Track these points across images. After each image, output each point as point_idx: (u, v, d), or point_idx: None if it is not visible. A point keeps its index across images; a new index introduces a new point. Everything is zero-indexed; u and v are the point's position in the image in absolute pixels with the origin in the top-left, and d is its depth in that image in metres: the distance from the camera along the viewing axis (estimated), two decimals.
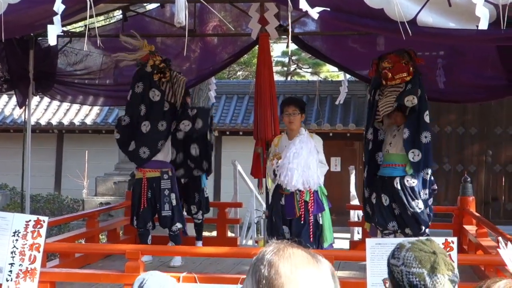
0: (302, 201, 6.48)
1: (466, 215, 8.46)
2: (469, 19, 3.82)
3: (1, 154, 15.88)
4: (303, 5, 3.80)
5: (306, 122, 14.41)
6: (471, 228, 8.01)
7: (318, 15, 3.92)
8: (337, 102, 8.13)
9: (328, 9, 4.03)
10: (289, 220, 6.58)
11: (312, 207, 6.49)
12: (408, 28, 3.88)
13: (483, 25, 3.78)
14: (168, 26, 8.16)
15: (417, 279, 2.39)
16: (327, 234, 6.56)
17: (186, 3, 4.39)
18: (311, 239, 6.45)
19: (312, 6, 3.94)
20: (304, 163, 6.35)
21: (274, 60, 20.27)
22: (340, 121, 14.52)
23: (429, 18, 3.98)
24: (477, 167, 13.76)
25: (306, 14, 4.03)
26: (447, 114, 13.60)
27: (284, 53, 23.10)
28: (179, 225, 7.57)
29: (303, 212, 6.47)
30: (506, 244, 2.92)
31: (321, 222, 6.55)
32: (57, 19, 4.13)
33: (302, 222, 6.48)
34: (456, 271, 2.44)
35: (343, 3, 4.12)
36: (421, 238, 2.74)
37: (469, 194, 8.73)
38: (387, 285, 2.83)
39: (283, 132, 6.90)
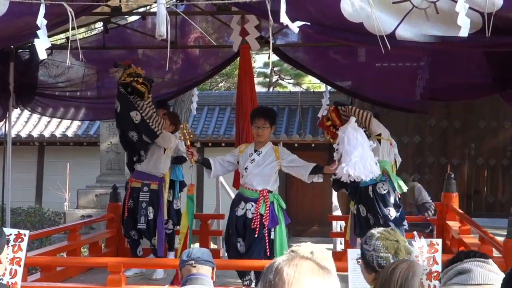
0: (258, 214, 6.50)
1: (450, 211, 8.54)
2: (454, 28, 3.85)
3: None
4: (284, 19, 3.83)
5: (288, 133, 14.47)
6: (454, 224, 8.09)
7: (298, 29, 3.95)
8: (319, 115, 8.14)
9: (309, 23, 4.06)
10: (244, 231, 6.59)
11: (267, 220, 6.49)
12: (387, 42, 3.93)
13: (463, 33, 3.83)
14: (150, 38, 8.16)
15: (384, 261, 3.14)
16: (278, 250, 6.53)
17: (168, 16, 4.41)
18: (263, 253, 6.46)
19: (293, 20, 3.97)
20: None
21: (256, 71, 20.33)
22: (322, 132, 14.54)
23: (407, 31, 4.02)
24: (460, 160, 13.89)
25: (287, 26, 4.06)
26: (431, 107, 13.64)
27: (266, 64, 23.17)
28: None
29: (258, 226, 6.47)
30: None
31: (272, 237, 6.55)
32: (42, 33, 4.12)
33: (256, 235, 6.48)
34: (414, 254, 3.41)
35: (323, 17, 4.16)
36: (386, 229, 3.37)
37: (452, 190, 8.81)
38: (360, 263, 3.35)
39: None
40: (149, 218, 7.50)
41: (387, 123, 7.49)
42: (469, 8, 3.84)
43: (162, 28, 4.41)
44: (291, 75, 22.42)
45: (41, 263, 6.49)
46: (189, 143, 6.67)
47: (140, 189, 7.49)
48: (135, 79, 7.28)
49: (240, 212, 6.63)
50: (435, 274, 4.31)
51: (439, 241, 4.58)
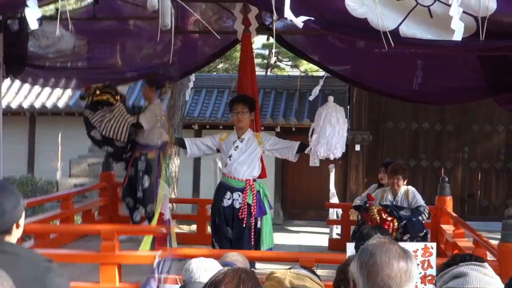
0: (245, 203, 6.54)
1: (444, 214, 8.59)
2: (448, 31, 3.88)
3: None
4: (288, 14, 3.83)
5: (286, 117, 14.48)
6: (448, 228, 8.13)
7: (302, 24, 3.96)
8: (310, 98, 8.18)
9: (313, 18, 4.06)
10: (232, 221, 6.63)
11: (255, 210, 6.54)
12: (390, 38, 3.94)
13: (457, 37, 3.86)
14: (141, 9, 8.05)
15: None
16: (264, 239, 6.60)
17: (172, 8, 4.40)
18: (252, 242, 6.52)
19: (297, 15, 3.97)
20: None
21: (254, 52, 20.25)
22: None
23: (410, 28, 4.04)
24: (453, 163, 13.91)
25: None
26: (425, 110, 13.73)
27: (264, 46, 23.11)
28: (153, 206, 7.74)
29: (245, 216, 6.52)
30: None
31: (259, 226, 6.59)
32: (32, 1, 4.07)
33: (244, 225, 6.53)
34: None
35: (328, 12, 4.16)
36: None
37: (446, 193, 8.88)
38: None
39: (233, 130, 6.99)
40: (144, 187, 7.65)
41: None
42: (463, 12, 3.88)
43: (167, 19, 4.41)
44: (289, 57, 22.38)
45: (36, 230, 6.51)
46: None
47: (138, 159, 7.65)
48: (95, 93, 7.51)
49: (226, 202, 6.67)
50: (430, 278, 4.36)
51: (434, 244, 4.64)
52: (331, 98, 6.63)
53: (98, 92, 7.71)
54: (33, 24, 4.20)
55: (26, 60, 8.21)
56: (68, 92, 15.45)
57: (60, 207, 8.23)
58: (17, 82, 15.07)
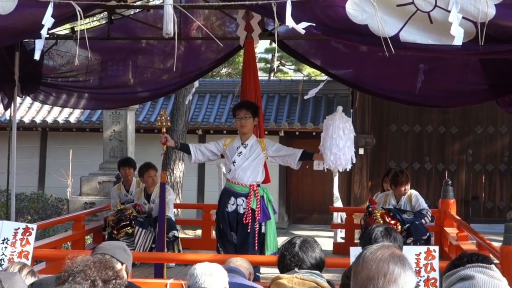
0: (249, 209, 6.58)
1: (447, 217, 8.61)
2: (448, 36, 3.94)
3: None
4: (289, 21, 3.89)
5: (290, 121, 14.53)
6: (451, 231, 8.16)
7: (304, 31, 4.01)
8: (306, 97, 8.22)
9: (314, 24, 4.12)
10: (236, 226, 6.67)
11: (259, 215, 6.58)
12: (390, 44, 4.00)
13: (457, 42, 3.93)
14: (154, 28, 8.20)
15: None
16: (269, 243, 6.64)
17: (174, 16, 4.48)
18: (256, 247, 6.56)
19: (298, 21, 4.03)
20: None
21: (257, 56, 20.31)
22: (323, 120, 14.51)
23: (411, 34, 4.09)
24: (457, 166, 13.93)
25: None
26: (429, 113, 13.76)
27: (267, 50, 23.20)
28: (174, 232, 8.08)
29: (250, 221, 6.56)
30: None
31: (263, 231, 6.64)
32: (43, 34, 4.18)
33: (248, 230, 6.57)
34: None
35: (328, 19, 4.21)
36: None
37: (450, 196, 8.90)
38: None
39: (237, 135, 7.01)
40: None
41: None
42: (463, 18, 3.94)
43: (169, 27, 4.49)
44: (292, 61, 22.45)
45: (48, 256, 6.53)
46: (164, 129, 6.77)
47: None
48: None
49: (230, 208, 6.71)
50: (433, 281, 4.38)
51: (436, 248, 4.66)
52: (339, 108, 6.64)
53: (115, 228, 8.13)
54: (37, 55, 4.32)
55: (41, 78, 8.32)
56: None
57: (72, 228, 8.33)
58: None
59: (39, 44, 4.30)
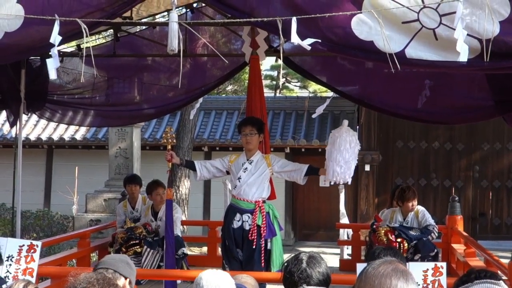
0: (255, 225, 6.55)
1: (454, 234, 8.56)
2: (454, 53, 3.95)
3: None
4: (295, 38, 3.90)
5: (295, 137, 14.52)
6: (459, 247, 8.11)
7: (309, 47, 4.02)
8: (314, 116, 8.22)
9: (319, 40, 4.13)
10: (241, 243, 6.64)
11: (265, 231, 6.55)
12: (396, 60, 4.00)
13: (463, 59, 3.93)
14: (159, 45, 8.23)
15: None
16: (275, 260, 6.60)
17: (180, 32, 4.49)
18: (262, 264, 6.52)
19: (303, 38, 4.04)
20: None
21: (263, 73, 20.37)
22: (329, 137, 14.60)
23: (416, 51, 4.10)
24: (464, 182, 13.88)
25: None
26: (435, 129, 13.74)
27: (273, 67, 23.25)
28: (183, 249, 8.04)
29: (255, 237, 6.53)
30: None
31: (269, 247, 6.60)
32: (54, 52, 4.20)
33: (254, 247, 6.54)
34: None
35: (334, 35, 4.21)
36: None
37: (457, 213, 8.86)
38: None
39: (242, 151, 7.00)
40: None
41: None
42: (468, 35, 3.95)
43: (174, 43, 4.50)
44: (297, 78, 22.50)
45: (53, 273, 6.49)
46: (170, 146, 6.76)
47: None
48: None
49: (236, 224, 6.68)
50: None
51: (444, 264, 4.63)
52: (345, 122, 6.63)
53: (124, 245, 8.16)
54: (52, 74, 4.33)
55: (46, 96, 8.34)
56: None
57: (77, 245, 8.31)
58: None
59: (53, 63, 4.31)
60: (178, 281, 7.58)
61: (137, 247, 8.16)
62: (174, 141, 7.02)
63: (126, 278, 3.65)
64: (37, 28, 4.75)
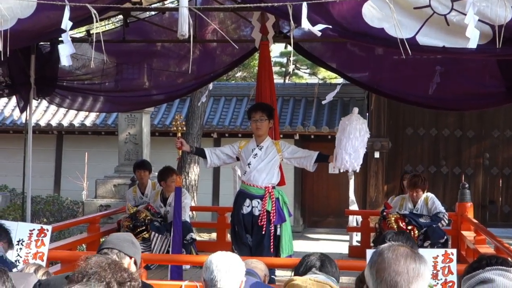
0: (264, 211, 6.55)
1: (464, 221, 8.54)
2: (465, 39, 3.91)
3: (0, 155, 15.92)
4: (305, 24, 3.88)
5: (305, 124, 14.49)
6: (469, 235, 8.09)
7: (320, 33, 3.99)
8: (323, 102, 8.19)
9: (330, 26, 4.10)
10: (251, 228, 6.65)
11: (274, 217, 6.55)
12: (407, 47, 3.97)
13: (472, 45, 3.89)
14: (169, 31, 8.22)
15: None
16: (284, 246, 6.61)
17: (189, 17, 4.47)
18: (272, 249, 6.53)
19: (314, 23, 4.01)
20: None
21: (272, 60, 20.30)
22: (338, 124, 14.48)
23: (427, 37, 4.06)
24: (474, 170, 13.82)
25: None
26: (445, 116, 13.67)
27: (282, 54, 23.18)
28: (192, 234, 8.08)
29: (265, 223, 6.53)
30: None
31: (278, 233, 6.60)
32: (66, 38, 4.20)
33: (263, 232, 6.54)
34: None
35: (344, 21, 4.19)
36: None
37: (467, 200, 8.84)
38: None
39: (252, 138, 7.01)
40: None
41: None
42: (479, 20, 3.92)
43: (185, 28, 4.49)
44: (307, 65, 22.41)
45: (63, 257, 6.53)
46: (180, 134, 6.75)
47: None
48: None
49: (246, 209, 6.70)
50: (450, 284, 4.35)
51: (454, 251, 4.62)
52: (355, 110, 6.61)
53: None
54: (64, 60, 4.32)
55: (56, 81, 8.35)
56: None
57: (87, 230, 8.34)
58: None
59: (66, 50, 4.30)
60: (187, 266, 7.62)
61: (144, 233, 8.18)
62: (184, 128, 7.02)
63: (131, 257, 3.64)
64: (48, 13, 4.75)
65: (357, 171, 6.69)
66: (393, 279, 2.16)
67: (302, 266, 3.86)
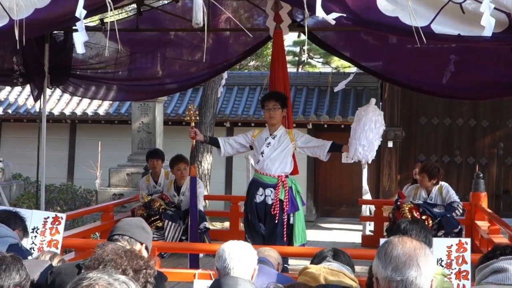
0: (277, 199, 6.55)
1: (478, 211, 8.51)
2: (480, 27, 3.88)
3: (14, 143, 16.01)
4: (320, 12, 3.85)
5: (318, 114, 14.46)
6: (483, 224, 8.06)
7: (334, 21, 3.97)
8: (336, 89, 8.17)
9: (344, 15, 4.08)
10: (264, 217, 6.65)
11: (287, 206, 6.55)
12: (422, 35, 3.94)
13: (487, 33, 3.86)
14: (182, 20, 8.21)
15: None
16: (297, 235, 6.61)
17: (204, 6, 4.46)
18: (285, 238, 6.53)
19: (328, 12, 3.99)
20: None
21: (285, 49, 20.26)
22: (351, 113, 14.48)
23: (442, 25, 4.03)
24: (488, 159, 13.75)
25: None
26: (459, 106, 13.61)
27: (295, 43, 23.09)
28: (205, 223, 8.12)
29: (278, 212, 6.53)
30: None
31: (291, 222, 6.60)
32: (81, 26, 4.20)
33: (276, 221, 6.54)
34: None
35: (359, 10, 4.16)
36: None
37: (481, 190, 8.81)
38: None
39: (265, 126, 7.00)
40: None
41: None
42: (495, 8, 3.88)
43: (199, 17, 4.47)
44: (320, 54, 22.31)
45: (78, 245, 6.58)
46: (193, 123, 6.77)
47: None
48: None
49: (259, 198, 6.70)
50: (464, 273, 4.34)
51: (468, 240, 4.61)
52: (373, 100, 6.58)
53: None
54: (79, 48, 4.33)
55: (70, 70, 8.38)
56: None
57: (101, 219, 8.39)
58: (59, 90, 15.31)
59: (80, 37, 4.30)
60: (200, 255, 7.66)
61: (158, 222, 8.21)
62: (197, 118, 7.04)
63: (142, 243, 3.63)
64: (63, 3, 4.76)
65: (369, 162, 6.67)
66: (400, 258, 2.21)
67: (316, 258, 3.87)
